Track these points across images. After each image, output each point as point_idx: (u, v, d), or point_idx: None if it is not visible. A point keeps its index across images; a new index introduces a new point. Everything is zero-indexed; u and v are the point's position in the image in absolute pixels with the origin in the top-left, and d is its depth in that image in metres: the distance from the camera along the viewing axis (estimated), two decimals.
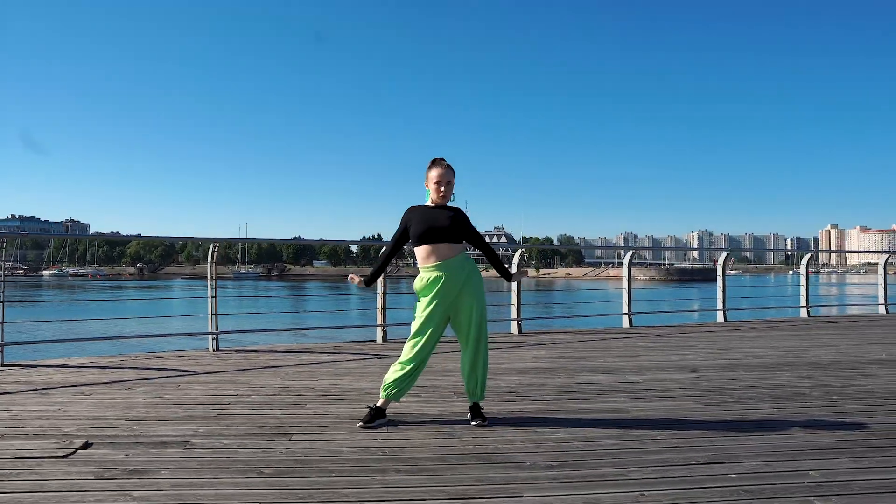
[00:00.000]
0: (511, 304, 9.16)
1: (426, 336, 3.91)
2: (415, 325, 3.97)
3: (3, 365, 6.06)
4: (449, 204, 4.07)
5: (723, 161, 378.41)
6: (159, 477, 2.94)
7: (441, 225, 3.93)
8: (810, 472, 3.03)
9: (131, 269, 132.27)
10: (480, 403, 4.07)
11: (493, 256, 4.26)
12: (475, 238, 4.13)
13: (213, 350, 7.07)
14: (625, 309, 10.35)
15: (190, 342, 8.58)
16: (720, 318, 11.06)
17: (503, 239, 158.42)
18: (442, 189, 3.98)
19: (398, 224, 4.12)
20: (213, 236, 7.35)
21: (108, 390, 4.98)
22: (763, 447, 3.46)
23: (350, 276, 4.22)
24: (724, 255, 11.79)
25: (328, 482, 2.89)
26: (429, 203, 4.07)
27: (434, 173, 4.01)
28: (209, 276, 7.31)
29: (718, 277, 11.51)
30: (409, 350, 3.94)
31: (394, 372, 3.95)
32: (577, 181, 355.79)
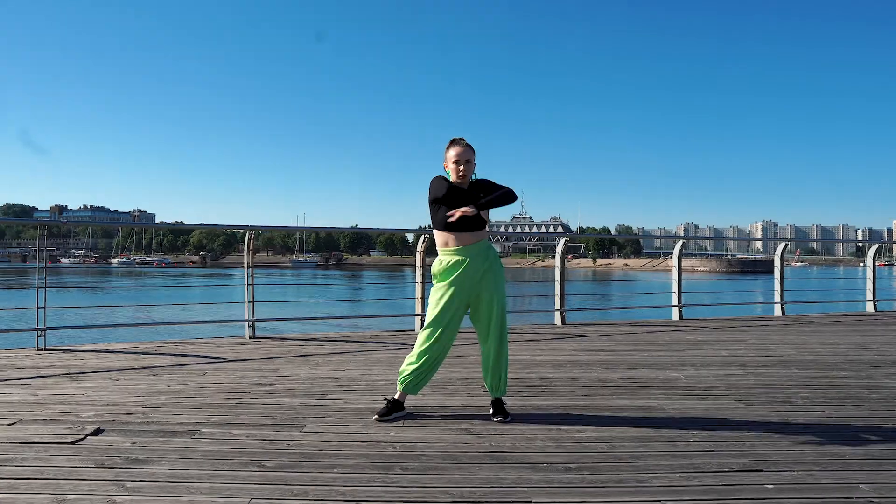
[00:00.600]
0: (555, 295, 8.90)
1: (444, 325, 3.73)
2: (431, 313, 3.78)
3: (44, 349, 6.18)
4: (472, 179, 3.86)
5: (790, 149, 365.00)
6: (158, 467, 2.86)
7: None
8: (860, 486, 2.73)
9: (195, 258, 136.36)
10: (503, 398, 3.88)
11: (499, 188, 3.81)
12: (489, 188, 3.79)
13: (249, 338, 7.06)
14: (674, 301, 9.94)
15: (230, 330, 8.63)
16: (777, 311, 10.52)
17: (559, 229, 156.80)
18: (461, 169, 3.76)
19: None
20: (250, 224, 7.32)
21: (136, 376, 4.98)
22: (808, 454, 3.16)
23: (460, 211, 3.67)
24: (782, 245, 11.22)
25: (329, 479, 2.76)
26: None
27: (452, 152, 3.80)
28: (245, 264, 7.30)
29: (776, 269, 10.96)
30: (424, 340, 3.76)
31: (409, 364, 3.78)
32: (635, 171, 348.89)
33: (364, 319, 9.66)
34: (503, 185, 3.85)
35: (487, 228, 3.89)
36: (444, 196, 3.72)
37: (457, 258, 3.73)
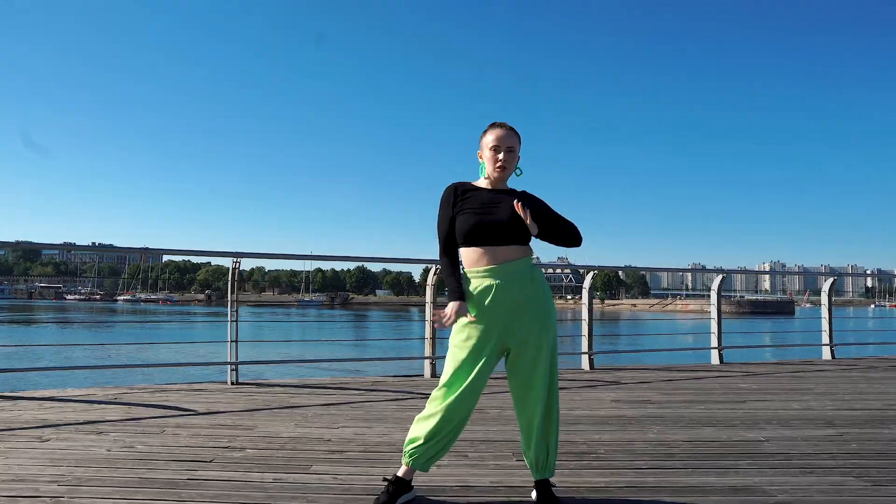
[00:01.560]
0: (582, 335, 7.83)
1: (471, 376, 2.65)
2: (450, 360, 2.72)
3: None
4: (510, 185, 2.88)
5: (796, 191, 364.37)
6: None
7: (499, 218, 2.71)
8: None
9: (200, 296, 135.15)
10: (552, 479, 2.82)
11: (560, 222, 2.89)
12: (546, 214, 2.84)
13: (231, 383, 6.01)
14: (714, 342, 8.86)
15: (212, 374, 7.57)
16: (826, 353, 9.41)
17: (567, 270, 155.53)
18: (501, 158, 2.77)
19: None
20: (235, 250, 6.29)
21: (73, 435, 3.93)
22: None
23: (439, 315, 2.77)
24: (831, 280, 10.13)
25: None
26: (482, 182, 2.86)
27: (491, 136, 2.80)
28: (229, 298, 6.27)
29: (823, 307, 9.88)
30: (440, 398, 2.69)
31: (419, 429, 2.72)
32: (641, 212, 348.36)
33: (366, 363, 8.55)
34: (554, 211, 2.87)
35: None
36: (466, 208, 2.75)
37: (487, 282, 2.69)
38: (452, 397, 2.65)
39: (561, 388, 5.94)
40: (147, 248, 6.39)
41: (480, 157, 2.85)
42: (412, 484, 2.77)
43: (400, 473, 2.74)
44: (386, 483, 2.74)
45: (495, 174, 2.79)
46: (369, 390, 5.85)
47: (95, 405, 4.90)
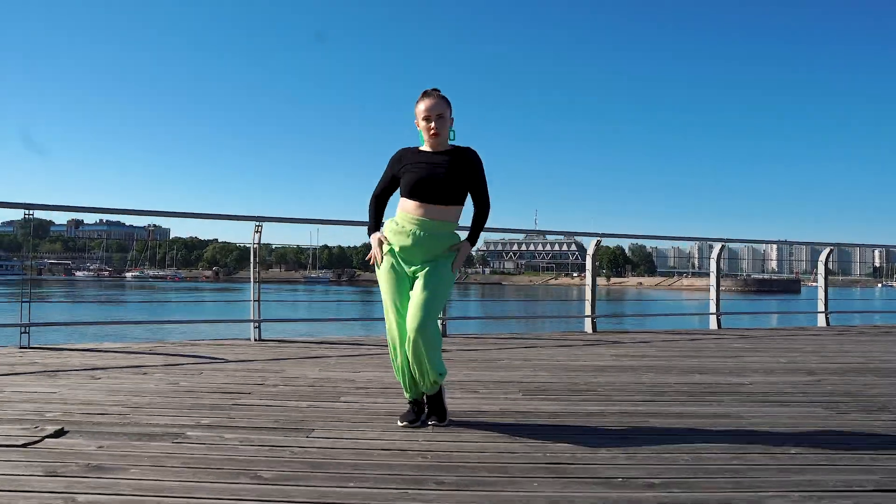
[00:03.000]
0: (585, 300, 8.22)
1: (396, 306, 3.05)
2: (382, 290, 3.13)
3: (27, 347, 5.58)
4: (452, 144, 3.19)
5: (804, 168, 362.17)
6: (123, 476, 2.22)
7: (437, 176, 3.04)
8: None
9: (208, 273, 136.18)
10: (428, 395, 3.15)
11: (480, 213, 3.21)
12: (476, 185, 3.15)
13: (255, 339, 6.44)
14: (712, 308, 9.23)
15: (234, 332, 7.99)
16: (821, 321, 9.78)
17: (573, 247, 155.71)
18: (433, 126, 3.07)
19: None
20: (259, 215, 6.65)
21: (121, 375, 4.36)
22: None
23: (372, 256, 3.16)
24: (826, 250, 10.48)
25: (343, 494, 2.11)
26: (425, 147, 3.17)
27: (421, 106, 3.11)
28: (252, 261, 6.68)
29: (819, 276, 10.24)
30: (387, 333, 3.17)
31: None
32: (648, 190, 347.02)
33: (379, 323, 8.96)
34: (485, 179, 3.19)
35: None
36: (404, 162, 3.12)
37: (414, 228, 3.03)
38: (388, 324, 3.09)
39: (565, 346, 6.40)
40: (172, 212, 6.77)
41: (418, 126, 3.17)
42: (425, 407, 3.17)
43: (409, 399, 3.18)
44: (410, 404, 3.15)
45: (430, 141, 3.11)
46: (384, 345, 6.25)
47: (134, 355, 5.32)
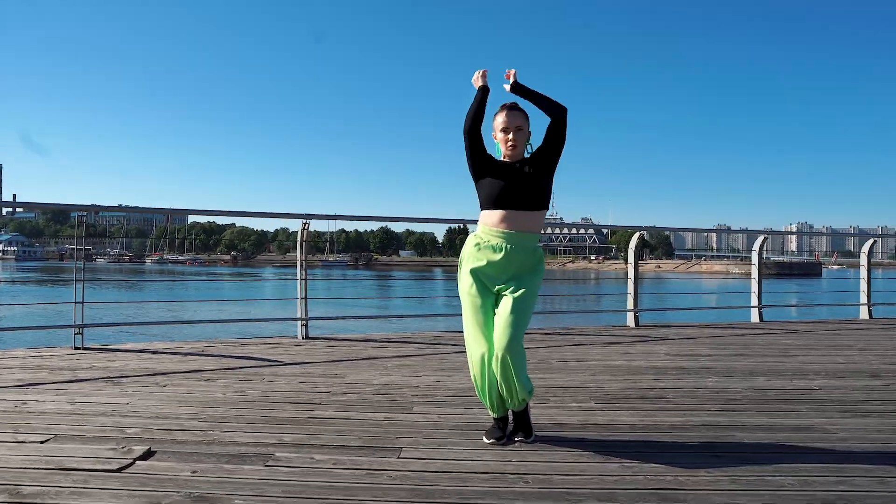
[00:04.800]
0: (628, 293, 8.13)
1: (481, 322, 2.97)
2: (463, 312, 3.04)
3: (82, 348, 5.60)
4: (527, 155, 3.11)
5: (823, 150, 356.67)
6: None
7: (520, 186, 2.97)
8: None
9: (226, 257, 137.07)
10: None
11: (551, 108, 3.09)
12: (546, 146, 3.08)
13: (303, 337, 6.42)
14: (754, 301, 9.10)
15: (278, 328, 8.00)
16: (864, 313, 9.62)
17: (591, 230, 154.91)
18: (510, 138, 3.02)
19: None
20: (304, 212, 6.64)
21: (184, 381, 4.35)
22: None
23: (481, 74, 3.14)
24: (870, 241, 10.29)
25: None
26: (502, 159, 3.11)
27: (499, 119, 3.06)
28: (299, 256, 6.66)
29: (862, 268, 10.06)
30: (468, 347, 3.05)
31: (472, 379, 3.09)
32: (665, 173, 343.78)
33: (424, 319, 8.95)
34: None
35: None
36: (486, 168, 3.03)
37: (500, 242, 2.96)
38: (470, 341, 3.00)
39: (612, 343, 6.33)
40: (228, 211, 6.75)
41: (495, 138, 3.11)
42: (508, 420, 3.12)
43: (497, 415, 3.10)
44: (495, 421, 3.09)
45: (508, 153, 3.05)
46: (433, 343, 6.23)
47: (187, 357, 5.32)
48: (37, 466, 2.57)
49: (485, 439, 3.01)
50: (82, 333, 5.70)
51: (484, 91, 3.11)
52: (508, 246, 2.95)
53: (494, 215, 2.99)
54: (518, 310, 2.89)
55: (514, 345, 2.85)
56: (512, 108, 3.09)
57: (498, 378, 2.91)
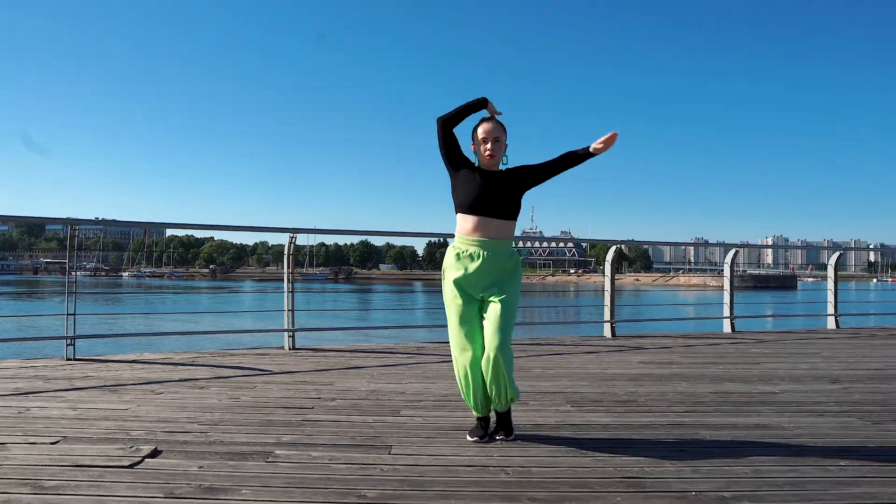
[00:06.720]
0: (604, 305, 8.43)
1: (464, 326, 3.21)
2: (448, 317, 3.28)
3: (74, 359, 5.75)
4: (502, 167, 3.37)
5: (799, 164, 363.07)
6: (239, 497, 2.40)
7: (494, 194, 3.22)
8: None
9: (205, 271, 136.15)
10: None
11: (570, 154, 3.38)
12: (538, 169, 3.34)
13: (289, 348, 6.62)
14: (726, 312, 9.45)
15: (264, 340, 8.19)
16: (831, 323, 10.01)
17: (570, 244, 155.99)
18: (489, 147, 3.27)
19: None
20: (290, 226, 6.85)
21: (180, 389, 4.54)
22: None
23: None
24: (836, 254, 10.72)
25: None
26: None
27: (480, 129, 3.32)
28: (286, 269, 6.87)
29: (829, 279, 10.48)
30: (453, 352, 3.29)
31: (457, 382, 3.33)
32: (643, 186, 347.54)
33: (407, 331, 9.18)
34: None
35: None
36: (462, 163, 3.31)
37: (474, 249, 3.22)
38: (457, 347, 3.23)
39: (591, 352, 6.61)
40: (214, 225, 6.93)
41: (473, 148, 3.38)
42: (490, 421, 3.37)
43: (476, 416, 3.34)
44: (478, 420, 3.33)
45: (485, 161, 3.31)
46: (417, 353, 6.46)
47: (178, 367, 5.49)
48: (52, 464, 2.76)
49: (468, 437, 3.25)
50: (74, 344, 5.85)
51: (480, 102, 3.35)
52: (485, 253, 3.21)
53: (468, 222, 3.24)
54: (505, 313, 3.15)
55: (505, 346, 3.11)
56: (492, 121, 3.34)
57: (488, 378, 3.15)
